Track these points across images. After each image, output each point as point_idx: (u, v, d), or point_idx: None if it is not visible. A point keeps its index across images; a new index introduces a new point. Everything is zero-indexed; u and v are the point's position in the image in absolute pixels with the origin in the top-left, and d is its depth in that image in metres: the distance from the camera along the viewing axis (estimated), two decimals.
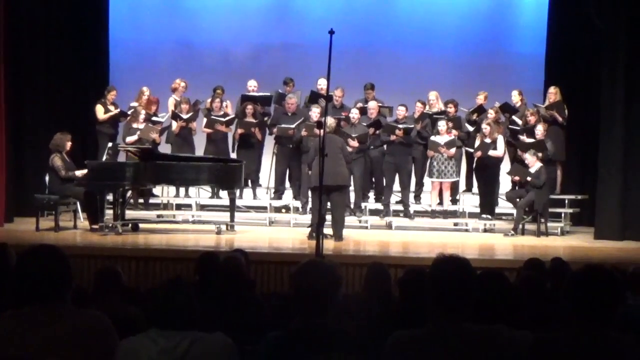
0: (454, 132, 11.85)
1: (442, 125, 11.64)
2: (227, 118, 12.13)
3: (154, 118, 12.11)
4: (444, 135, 11.64)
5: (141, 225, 10.74)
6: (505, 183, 12.13)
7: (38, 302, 3.11)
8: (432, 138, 11.69)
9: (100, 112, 12.12)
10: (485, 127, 11.49)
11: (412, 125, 11.67)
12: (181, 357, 3.07)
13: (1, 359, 3.05)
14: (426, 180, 12.17)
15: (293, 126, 11.66)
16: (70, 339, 3.06)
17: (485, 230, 11.60)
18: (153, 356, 3.07)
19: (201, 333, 3.16)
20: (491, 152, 11.47)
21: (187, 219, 11.85)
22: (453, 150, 11.63)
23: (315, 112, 11.37)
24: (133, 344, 3.13)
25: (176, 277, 3.39)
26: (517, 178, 11.46)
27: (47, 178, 10.72)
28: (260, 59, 13.92)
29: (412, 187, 12.21)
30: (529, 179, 11.08)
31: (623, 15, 10.90)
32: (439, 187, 11.87)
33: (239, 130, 12.15)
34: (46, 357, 3.03)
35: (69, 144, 10.69)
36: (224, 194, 11.46)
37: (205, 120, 12.21)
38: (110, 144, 11.41)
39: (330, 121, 10.16)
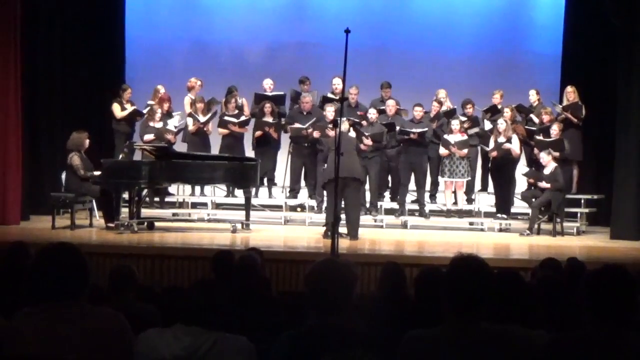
0: (474, 129, 11.82)
1: (455, 124, 11.62)
2: (241, 119, 12.11)
3: (170, 123, 12.08)
4: (456, 134, 11.62)
5: (156, 224, 10.78)
6: (520, 183, 12.07)
7: (54, 299, 3.12)
8: (445, 136, 11.67)
9: (117, 110, 12.14)
10: (502, 123, 11.42)
11: (426, 129, 11.60)
12: (203, 355, 3.10)
13: (17, 356, 3.06)
14: (440, 179, 12.14)
15: (305, 126, 11.65)
16: (86, 337, 3.08)
17: (500, 230, 11.56)
18: (176, 352, 3.10)
19: (225, 334, 3.19)
20: (507, 145, 11.36)
21: (203, 218, 11.88)
22: (465, 151, 11.60)
23: (329, 111, 11.35)
24: (154, 338, 3.16)
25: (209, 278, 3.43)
26: (532, 181, 11.42)
27: (63, 176, 10.77)
28: (276, 58, 13.92)
29: (428, 186, 12.20)
30: (544, 184, 11.00)
31: None
32: (452, 187, 11.86)
33: (257, 133, 12.15)
34: (62, 355, 3.04)
35: (87, 142, 10.70)
36: (239, 192, 11.46)
37: (218, 120, 12.22)
38: (126, 143, 11.44)
39: (344, 125, 10.14)
